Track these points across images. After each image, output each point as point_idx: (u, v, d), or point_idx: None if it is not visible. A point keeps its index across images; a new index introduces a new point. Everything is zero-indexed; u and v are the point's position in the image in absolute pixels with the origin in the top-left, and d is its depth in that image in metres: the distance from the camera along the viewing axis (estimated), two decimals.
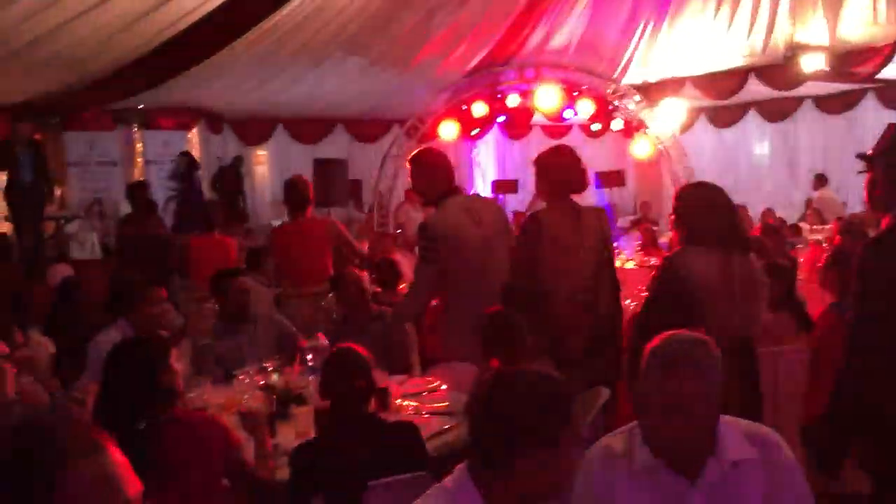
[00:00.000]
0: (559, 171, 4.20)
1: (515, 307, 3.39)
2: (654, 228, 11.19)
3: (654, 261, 8.62)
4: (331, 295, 5.43)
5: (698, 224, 3.54)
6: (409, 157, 4.75)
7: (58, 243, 11.56)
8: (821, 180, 13.54)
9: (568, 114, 13.44)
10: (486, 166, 16.94)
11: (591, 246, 4.08)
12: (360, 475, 2.32)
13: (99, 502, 1.09)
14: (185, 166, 11.78)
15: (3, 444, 1.10)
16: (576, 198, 4.22)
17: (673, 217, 3.67)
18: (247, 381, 3.72)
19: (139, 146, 12.75)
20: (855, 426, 2.70)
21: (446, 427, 3.43)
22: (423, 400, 3.87)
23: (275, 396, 3.54)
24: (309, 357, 3.88)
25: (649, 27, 11.81)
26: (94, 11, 8.26)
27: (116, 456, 1.15)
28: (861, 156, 3.05)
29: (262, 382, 3.69)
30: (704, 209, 3.59)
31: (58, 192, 11.57)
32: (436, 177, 4.49)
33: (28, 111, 10.69)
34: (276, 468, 2.90)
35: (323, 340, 3.99)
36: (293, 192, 6.21)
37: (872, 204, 3.00)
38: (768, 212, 11.61)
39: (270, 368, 3.89)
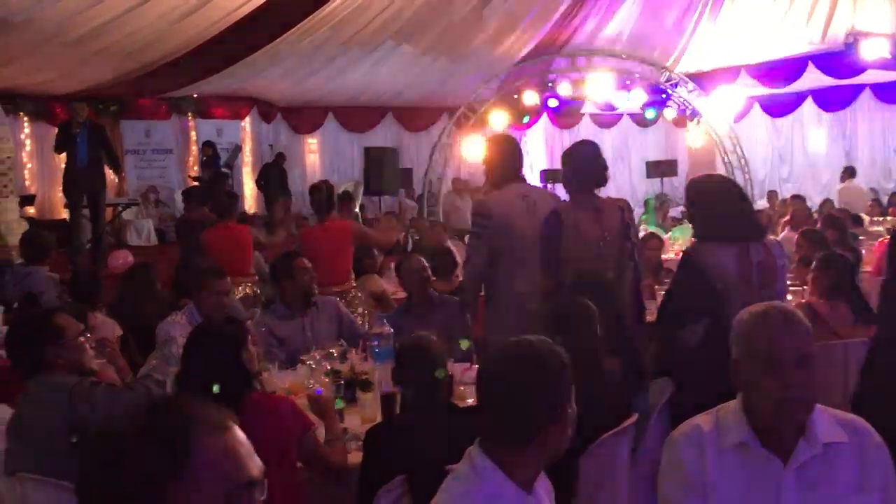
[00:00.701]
0: (582, 165, 4.29)
1: (586, 295, 3.36)
2: None
3: None
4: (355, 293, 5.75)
5: (712, 216, 3.62)
6: (489, 137, 4.97)
7: (115, 229, 11.81)
8: (848, 173, 13.14)
9: (619, 102, 13.31)
10: (534, 155, 16.86)
11: (611, 238, 4.13)
12: (439, 460, 2.33)
13: (225, 478, 1.11)
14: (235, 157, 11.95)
15: (137, 420, 1.13)
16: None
17: (687, 211, 3.73)
18: (314, 365, 3.76)
19: (193, 134, 12.93)
20: None
21: None
22: None
23: (341, 381, 3.57)
24: (375, 343, 3.91)
25: (705, 15, 11.63)
26: (151, 2, 8.41)
27: (241, 435, 1.17)
28: None
29: (328, 367, 3.73)
30: (717, 201, 3.65)
31: (116, 179, 11.81)
32: (505, 161, 4.58)
33: (86, 100, 10.90)
34: (348, 452, 2.94)
35: (387, 327, 4.01)
36: (319, 195, 6.48)
37: None
38: (829, 202, 11.36)
39: (335, 354, 3.92)
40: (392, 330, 3.99)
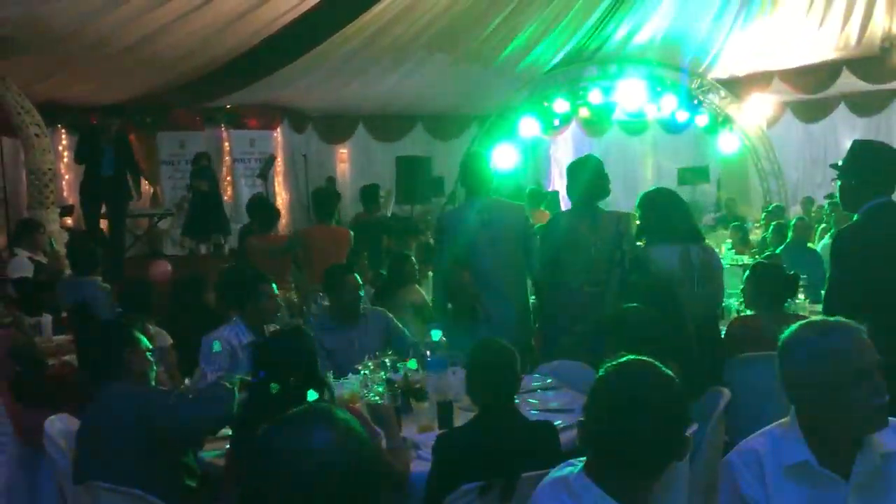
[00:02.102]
0: (582, 179, 4.86)
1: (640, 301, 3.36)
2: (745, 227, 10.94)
3: (746, 259, 8.42)
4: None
5: (660, 222, 4.31)
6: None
7: (150, 239, 11.95)
8: None
9: (650, 109, 13.26)
10: (564, 163, 16.82)
11: (603, 245, 4.65)
12: (511, 468, 2.35)
13: None
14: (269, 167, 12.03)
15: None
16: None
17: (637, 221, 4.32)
18: (368, 374, 3.79)
19: (227, 145, 13.06)
20: None
21: (565, 425, 3.43)
22: (538, 397, 3.89)
23: (397, 391, 3.60)
24: (427, 353, 3.93)
25: (738, 21, 11.58)
26: (189, 16, 8.52)
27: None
28: (833, 166, 3.77)
29: (383, 377, 3.76)
30: (665, 209, 4.35)
31: (150, 188, 11.95)
32: (466, 177, 5.24)
33: (122, 112, 11.05)
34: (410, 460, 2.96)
35: (440, 337, 4.03)
36: (323, 200, 7.30)
37: (843, 205, 3.77)
38: None
39: (388, 363, 3.95)
40: (445, 340, 4.01)
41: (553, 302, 4.85)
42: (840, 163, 3.67)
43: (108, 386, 3.10)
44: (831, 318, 2.12)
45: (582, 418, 1.85)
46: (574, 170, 4.96)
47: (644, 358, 1.86)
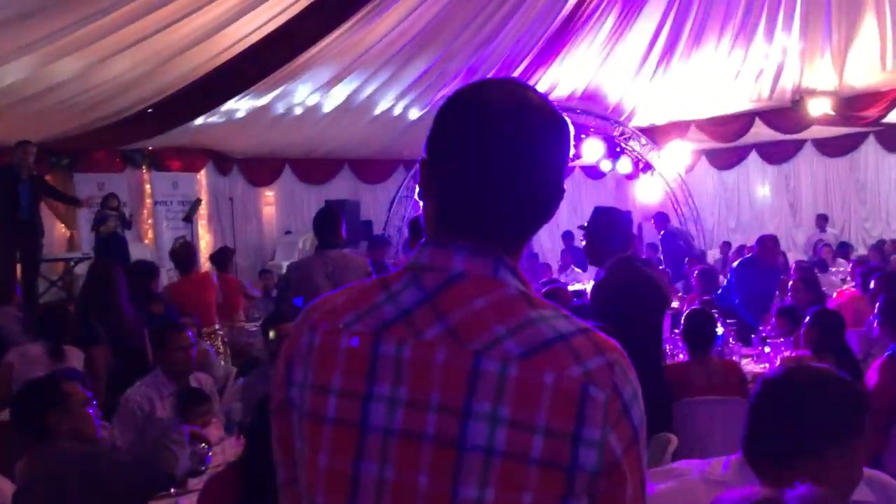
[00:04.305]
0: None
1: None
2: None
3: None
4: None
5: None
6: None
7: (67, 284, 11.48)
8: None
9: (573, 154, 13.57)
10: None
11: None
12: None
13: None
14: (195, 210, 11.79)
15: None
16: None
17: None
18: None
19: (148, 187, 12.72)
20: None
21: None
22: None
23: None
24: None
25: (657, 73, 11.99)
26: (109, 60, 8.35)
27: None
28: (581, 227, 4.49)
29: None
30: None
31: (66, 232, 11.52)
32: (316, 230, 5.43)
33: (37, 153, 10.66)
34: None
35: None
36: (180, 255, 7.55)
37: (589, 260, 4.60)
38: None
39: None
40: None
41: None
42: (585, 224, 4.37)
43: (41, 449, 2.93)
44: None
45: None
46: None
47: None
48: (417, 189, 1.22)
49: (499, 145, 1.14)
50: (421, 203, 1.21)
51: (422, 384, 1.09)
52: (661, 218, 11.85)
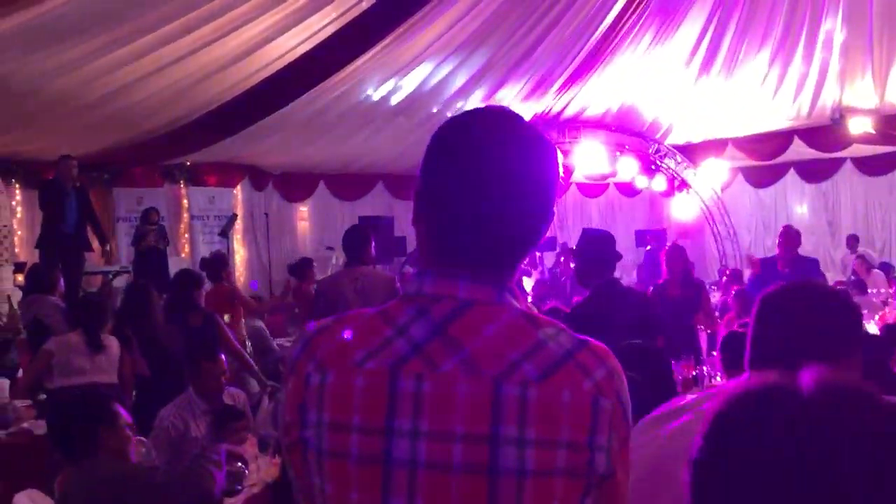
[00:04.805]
0: None
1: None
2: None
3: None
4: None
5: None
6: None
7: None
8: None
9: (608, 171, 13.52)
10: None
11: None
12: None
13: None
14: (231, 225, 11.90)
15: None
16: None
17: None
18: None
19: (185, 202, 12.88)
20: None
21: None
22: None
23: None
24: None
25: (695, 91, 11.91)
26: (151, 77, 8.48)
27: None
28: (570, 250, 4.51)
29: None
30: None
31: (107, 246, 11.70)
32: (346, 247, 5.59)
33: (79, 167, 10.83)
34: None
35: None
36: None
37: (578, 282, 4.89)
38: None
39: None
40: None
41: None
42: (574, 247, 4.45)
43: (82, 465, 2.95)
44: None
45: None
46: None
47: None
48: (412, 216, 1.25)
49: (490, 173, 1.18)
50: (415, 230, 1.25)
51: (444, 415, 1.12)
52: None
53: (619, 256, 4.68)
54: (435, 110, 11.52)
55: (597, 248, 4.48)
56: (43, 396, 5.62)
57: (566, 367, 1.13)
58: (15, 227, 11.39)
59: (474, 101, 11.42)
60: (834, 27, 10.35)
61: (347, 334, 1.20)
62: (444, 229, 1.22)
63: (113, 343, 5.19)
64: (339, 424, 1.15)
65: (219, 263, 8.34)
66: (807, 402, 0.78)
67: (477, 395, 1.11)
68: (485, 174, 1.19)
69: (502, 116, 1.25)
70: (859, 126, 11.11)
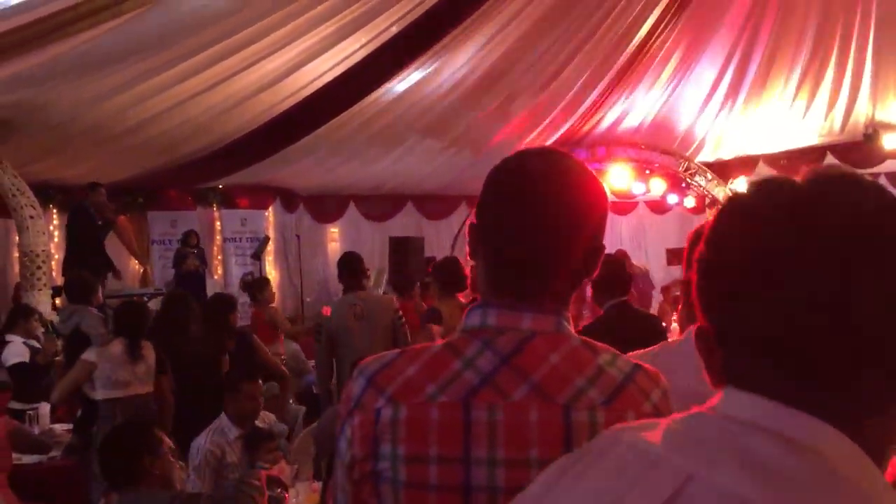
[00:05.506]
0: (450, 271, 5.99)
1: None
2: None
3: None
4: None
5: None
6: None
7: None
8: None
9: (638, 189, 13.46)
10: None
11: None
12: None
13: None
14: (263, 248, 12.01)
15: None
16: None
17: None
18: None
19: (218, 224, 13.03)
20: None
21: None
22: None
23: None
24: None
25: (725, 108, 11.85)
26: (186, 103, 8.62)
27: None
28: None
29: None
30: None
31: (140, 268, 11.85)
32: (342, 274, 5.95)
33: (114, 191, 11.01)
34: None
35: None
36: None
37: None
38: None
39: None
40: None
41: None
42: None
43: (127, 493, 3.00)
44: None
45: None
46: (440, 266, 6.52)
47: None
48: (467, 249, 1.31)
49: (545, 209, 1.26)
50: (472, 263, 1.33)
51: (518, 442, 1.17)
52: None
53: (629, 278, 4.78)
54: (463, 131, 11.57)
55: (608, 269, 4.47)
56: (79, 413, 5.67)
57: (628, 391, 1.19)
58: (52, 251, 11.59)
59: (500, 122, 11.47)
60: (865, 43, 10.25)
61: (413, 368, 1.25)
62: (501, 266, 1.28)
63: (150, 351, 5.26)
64: (417, 457, 1.19)
65: (260, 285, 8.71)
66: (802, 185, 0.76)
67: (548, 421, 1.17)
68: (539, 211, 1.25)
69: (554, 155, 1.34)
70: (894, 142, 10.99)
